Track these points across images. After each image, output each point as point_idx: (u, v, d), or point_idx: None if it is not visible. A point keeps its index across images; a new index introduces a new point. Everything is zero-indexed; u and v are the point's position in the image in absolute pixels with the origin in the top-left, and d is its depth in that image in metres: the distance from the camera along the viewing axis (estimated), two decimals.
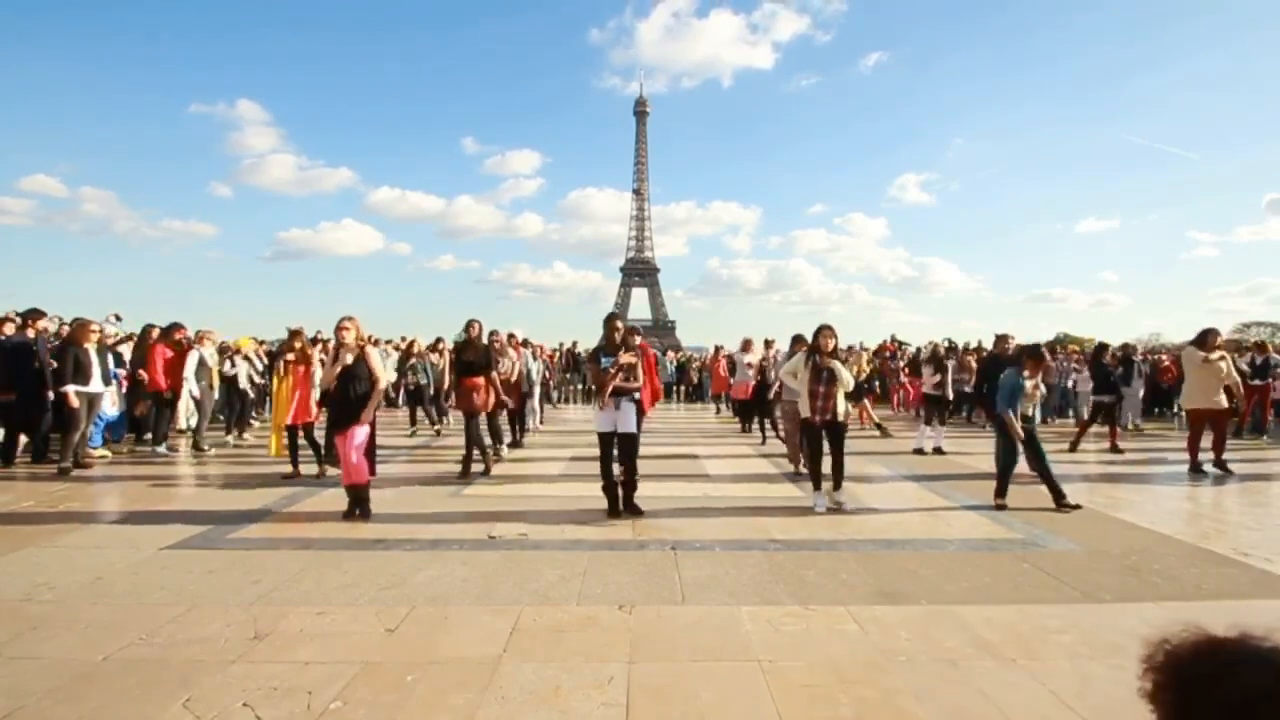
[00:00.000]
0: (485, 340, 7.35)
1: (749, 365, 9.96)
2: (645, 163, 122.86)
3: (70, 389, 6.93)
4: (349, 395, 5.00)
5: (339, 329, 5.13)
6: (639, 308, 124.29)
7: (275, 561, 3.91)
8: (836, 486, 5.40)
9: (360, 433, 4.97)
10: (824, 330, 5.41)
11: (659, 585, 3.57)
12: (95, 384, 7.24)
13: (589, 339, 24.80)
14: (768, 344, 10.31)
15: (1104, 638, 2.91)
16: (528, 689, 2.47)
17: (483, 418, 7.15)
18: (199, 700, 2.37)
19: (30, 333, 7.21)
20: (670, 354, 20.54)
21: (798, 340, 8.12)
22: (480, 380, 6.80)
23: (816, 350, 5.39)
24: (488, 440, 7.49)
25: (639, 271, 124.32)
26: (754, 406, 10.04)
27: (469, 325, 7.02)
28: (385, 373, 5.18)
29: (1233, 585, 3.60)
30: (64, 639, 2.87)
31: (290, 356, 6.71)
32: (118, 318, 8.96)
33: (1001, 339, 8.01)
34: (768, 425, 9.60)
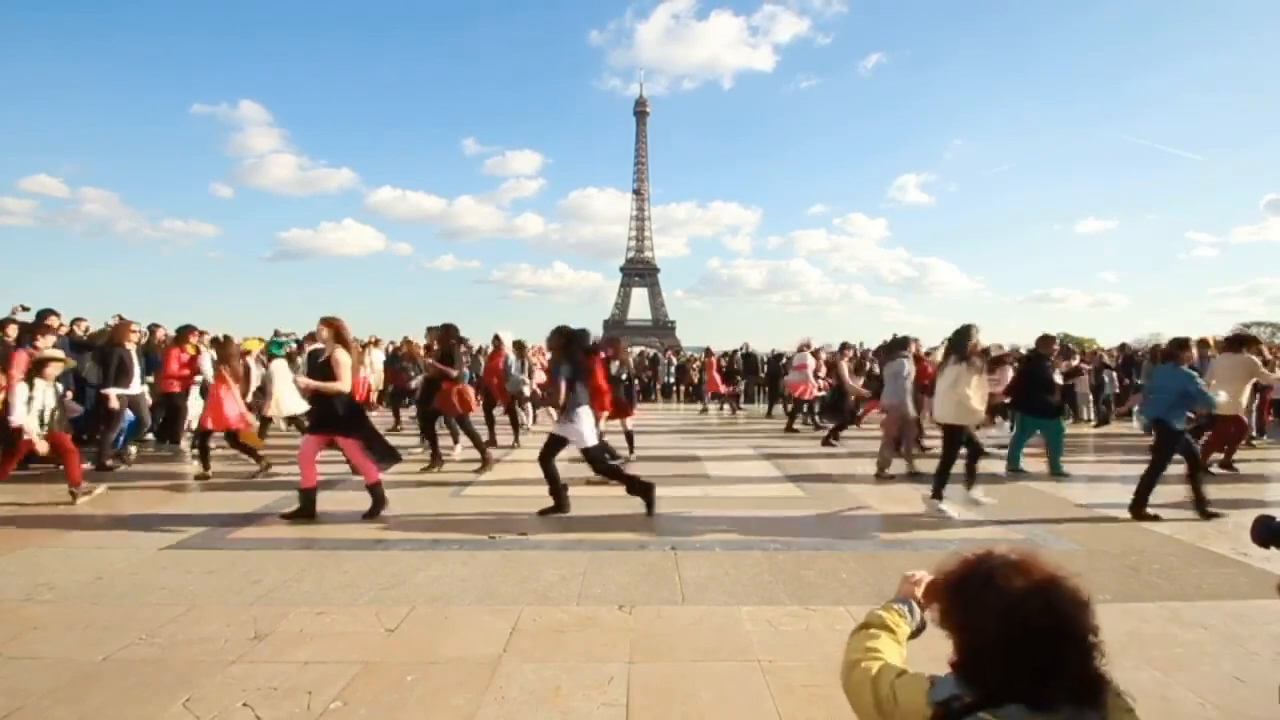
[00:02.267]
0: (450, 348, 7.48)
1: (805, 366, 10.38)
2: (645, 163, 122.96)
3: (112, 391, 6.99)
4: (321, 399, 4.98)
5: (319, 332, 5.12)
6: (639, 308, 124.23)
7: (275, 561, 3.91)
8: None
9: (347, 439, 4.98)
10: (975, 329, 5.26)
11: (659, 585, 3.57)
12: (135, 385, 7.32)
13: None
14: (845, 347, 10.46)
15: (1103, 638, 2.90)
16: (528, 689, 2.47)
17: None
18: (199, 700, 2.37)
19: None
20: (669, 354, 20.52)
21: (902, 344, 7.57)
22: (447, 385, 7.04)
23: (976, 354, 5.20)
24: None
25: (639, 271, 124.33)
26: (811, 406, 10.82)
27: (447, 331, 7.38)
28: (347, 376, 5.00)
29: (1232, 585, 3.60)
30: (64, 639, 2.87)
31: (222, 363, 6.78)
32: (121, 319, 8.95)
33: (1046, 340, 7.35)
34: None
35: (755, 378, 17.32)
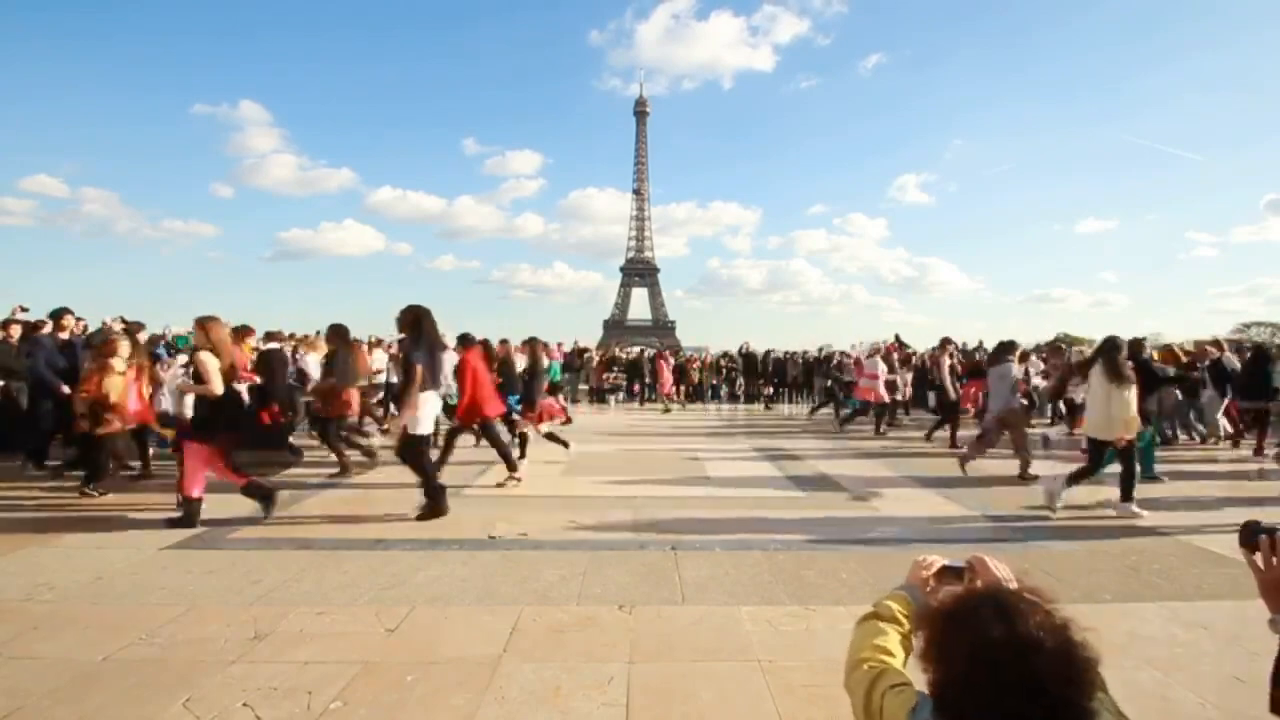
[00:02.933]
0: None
1: (875, 375, 10.25)
2: (645, 163, 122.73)
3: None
4: (200, 402, 4.85)
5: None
6: (639, 308, 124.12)
7: (275, 561, 3.91)
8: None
9: (194, 444, 4.81)
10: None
11: (659, 585, 3.57)
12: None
13: (589, 339, 24.83)
14: (946, 343, 10.18)
15: (1103, 638, 2.89)
16: (528, 689, 2.47)
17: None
18: (199, 700, 2.37)
19: (64, 334, 7.14)
20: (668, 354, 20.50)
21: (1009, 348, 7.41)
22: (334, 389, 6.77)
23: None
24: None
25: (639, 271, 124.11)
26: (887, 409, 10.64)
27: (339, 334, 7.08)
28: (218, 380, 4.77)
29: (1232, 585, 3.59)
30: (64, 639, 2.87)
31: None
32: (125, 321, 8.91)
33: (1139, 343, 6.67)
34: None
35: (754, 378, 17.34)
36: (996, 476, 6.76)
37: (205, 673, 2.57)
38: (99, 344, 6.25)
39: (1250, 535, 1.17)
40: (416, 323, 5.05)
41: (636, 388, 16.46)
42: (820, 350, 18.08)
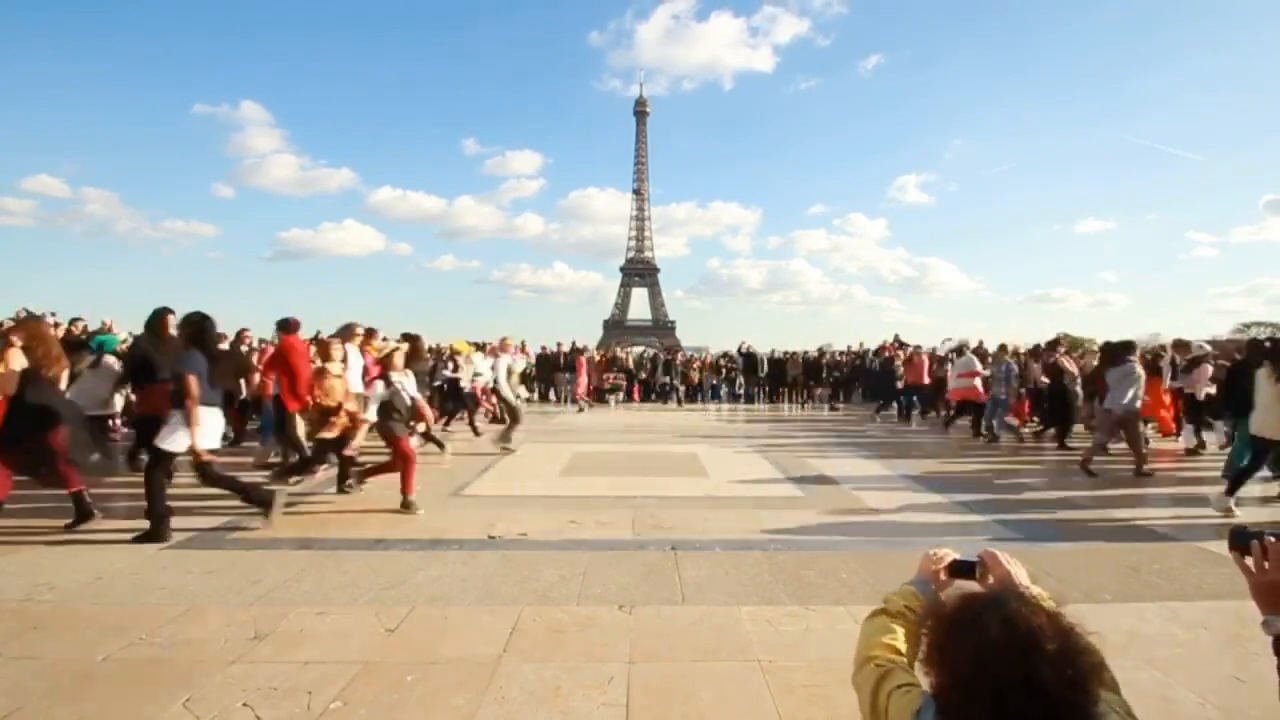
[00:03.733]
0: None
1: (974, 373, 9.83)
2: (645, 163, 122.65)
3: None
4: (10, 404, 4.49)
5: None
6: (639, 308, 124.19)
7: (275, 561, 3.90)
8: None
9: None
10: None
11: (659, 585, 3.57)
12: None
13: (588, 339, 24.82)
14: (1056, 343, 9.72)
15: (1103, 638, 2.90)
16: (528, 689, 2.47)
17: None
18: (199, 700, 2.37)
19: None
20: (666, 354, 20.50)
21: (1128, 348, 7.18)
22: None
23: None
24: None
25: (639, 271, 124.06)
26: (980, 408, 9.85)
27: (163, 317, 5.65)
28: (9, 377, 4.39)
29: (1232, 585, 3.59)
30: (64, 639, 2.87)
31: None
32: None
33: (1258, 343, 6.61)
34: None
35: (754, 377, 17.34)
36: (998, 475, 6.77)
37: (205, 673, 2.57)
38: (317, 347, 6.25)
39: (1240, 539, 1.17)
40: (197, 333, 4.59)
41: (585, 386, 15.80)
42: (820, 350, 18.07)
